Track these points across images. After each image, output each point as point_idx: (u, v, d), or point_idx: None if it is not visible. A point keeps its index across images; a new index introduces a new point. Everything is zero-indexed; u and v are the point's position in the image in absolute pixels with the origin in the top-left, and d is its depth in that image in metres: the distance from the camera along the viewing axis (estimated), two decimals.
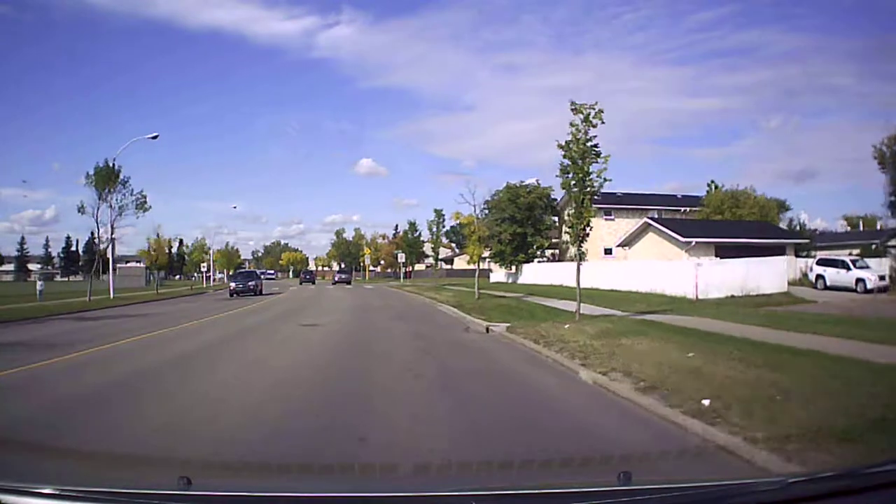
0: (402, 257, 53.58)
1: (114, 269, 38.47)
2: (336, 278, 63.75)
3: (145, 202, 34.97)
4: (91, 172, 32.61)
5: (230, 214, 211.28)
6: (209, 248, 54.78)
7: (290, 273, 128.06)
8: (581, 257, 16.04)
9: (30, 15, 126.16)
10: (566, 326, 13.87)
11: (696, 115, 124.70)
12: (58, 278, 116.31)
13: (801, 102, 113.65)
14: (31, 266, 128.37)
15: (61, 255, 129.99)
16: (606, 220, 49.46)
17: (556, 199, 51.64)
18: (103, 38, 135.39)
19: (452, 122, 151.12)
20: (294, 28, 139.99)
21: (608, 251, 48.61)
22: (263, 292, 39.87)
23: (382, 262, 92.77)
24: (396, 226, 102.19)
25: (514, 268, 50.36)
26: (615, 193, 53.84)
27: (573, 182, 15.26)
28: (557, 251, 54.53)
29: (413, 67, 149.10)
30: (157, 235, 45.09)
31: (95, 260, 39.01)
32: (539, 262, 50.85)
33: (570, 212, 15.57)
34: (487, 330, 15.23)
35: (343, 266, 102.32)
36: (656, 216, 50.41)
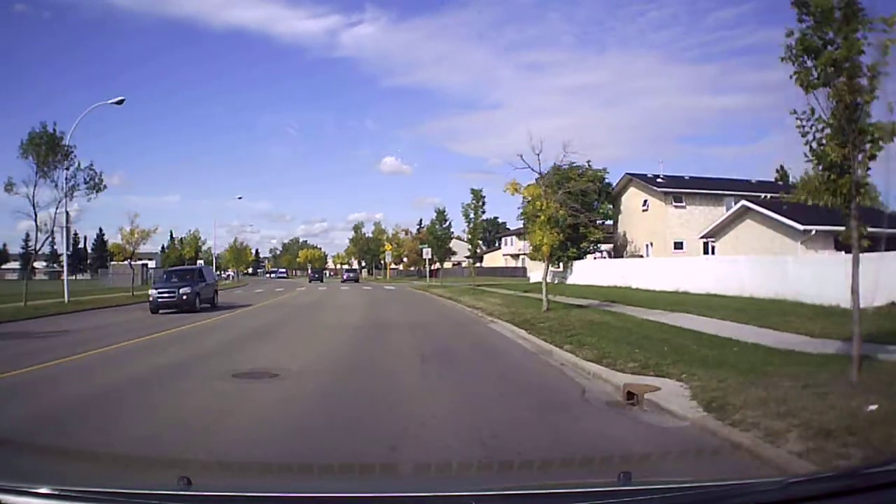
0: (427, 252, 44.94)
1: (79, 267, 30.87)
2: (345, 276, 67.18)
3: (101, 181, 27.29)
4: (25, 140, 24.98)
5: (254, 212, 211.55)
6: (203, 242, 45.86)
7: (309, 270, 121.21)
8: (861, 234, 7.33)
9: (49, 12, 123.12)
10: (872, 408, 5.47)
11: (720, 113, 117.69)
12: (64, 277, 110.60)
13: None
14: (38, 264, 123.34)
15: (69, 252, 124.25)
16: (676, 206, 40.67)
17: (610, 185, 42.77)
18: (130, 38, 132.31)
19: (477, 120, 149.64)
20: (317, 27, 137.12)
21: (678, 245, 39.84)
22: (219, 304, 25.83)
23: (405, 259, 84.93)
24: (420, 220, 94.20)
25: (561, 265, 41.62)
26: (682, 177, 45.05)
27: (823, 72, 6.78)
28: (612, 246, 45.67)
29: (436, 66, 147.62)
30: (133, 226, 37.85)
31: (31, 255, 31.50)
32: (595, 258, 42.27)
33: (824, 130, 6.93)
34: (632, 399, 6.88)
35: (363, 264, 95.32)
36: (735, 202, 41.57)
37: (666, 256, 37.05)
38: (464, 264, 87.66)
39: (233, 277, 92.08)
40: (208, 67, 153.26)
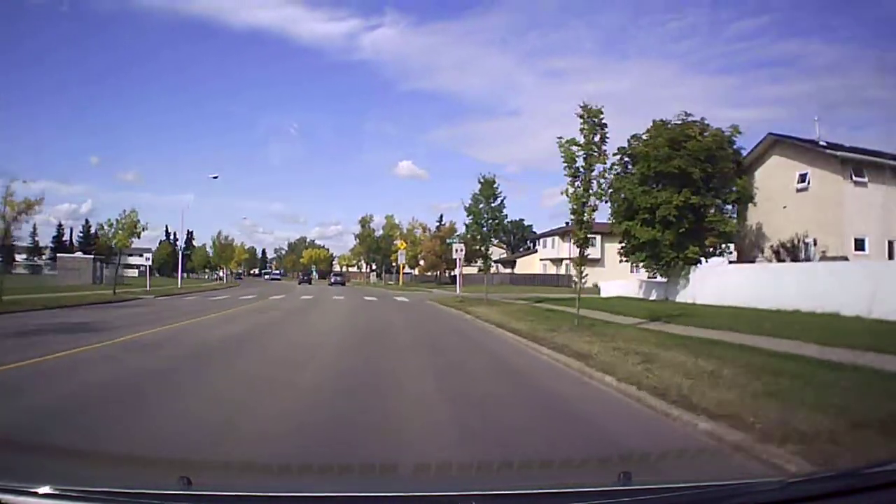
0: (460, 250, 30.33)
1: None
2: (332, 280, 67.74)
3: None
4: None
5: (268, 213, 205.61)
6: (143, 229, 30.79)
7: (315, 272, 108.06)
8: None
9: (66, 6, 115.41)
10: None
11: (738, 124, 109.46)
12: (47, 271, 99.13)
13: (842, 114, 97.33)
14: (18, 257, 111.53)
15: (52, 244, 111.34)
16: (857, 184, 25.88)
17: (741, 150, 27.82)
18: (148, 38, 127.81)
19: (496, 126, 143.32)
20: (336, 30, 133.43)
21: (858, 244, 25.28)
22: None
23: (422, 261, 70.75)
24: (441, 216, 79.99)
25: (666, 273, 26.84)
26: (842, 145, 30.36)
27: None
28: (735, 244, 30.50)
29: (456, 71, 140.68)
30: (7, 195, 24.38)
31: None
32: (732, 262, 27.57)
33: None
34: None
35: (373, 266, 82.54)
36: None
37: (845, 260, 22.57)
38: (492, 270, 73.24)
39: (220, 278, 78.68)
40: (226, 67, 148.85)
